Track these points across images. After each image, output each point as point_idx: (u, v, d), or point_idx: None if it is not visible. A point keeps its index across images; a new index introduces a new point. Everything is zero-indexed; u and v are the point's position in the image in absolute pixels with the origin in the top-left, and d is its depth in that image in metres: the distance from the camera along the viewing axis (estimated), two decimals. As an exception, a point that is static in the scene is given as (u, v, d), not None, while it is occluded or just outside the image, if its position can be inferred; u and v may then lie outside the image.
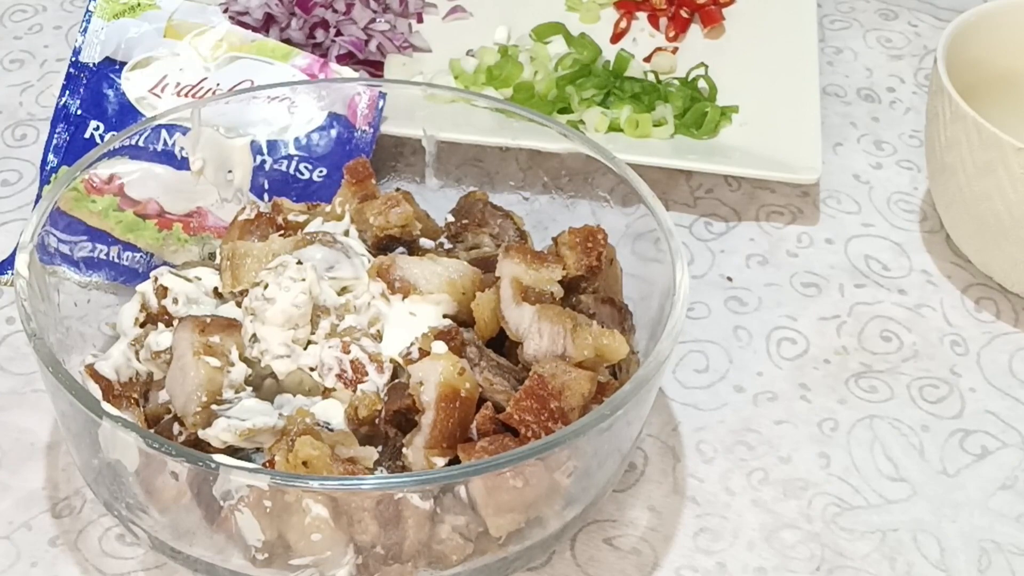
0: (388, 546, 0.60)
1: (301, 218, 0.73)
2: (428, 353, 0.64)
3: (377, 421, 0.64)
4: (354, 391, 0.64)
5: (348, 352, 0.65)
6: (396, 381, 0.65)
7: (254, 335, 0.65)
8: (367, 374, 0.64)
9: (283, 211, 0.73)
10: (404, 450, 0.63)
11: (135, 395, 0.67)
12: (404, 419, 0.64)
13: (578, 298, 0.70)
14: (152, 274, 0.70)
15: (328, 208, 0.74)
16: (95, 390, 0.66)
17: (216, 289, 0.69)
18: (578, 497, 0.64)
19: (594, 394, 0.65)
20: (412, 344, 0.65)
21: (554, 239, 0.72)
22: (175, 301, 0.68)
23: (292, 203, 0.75)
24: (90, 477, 0.65)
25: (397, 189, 0.77)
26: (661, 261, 0.70)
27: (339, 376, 0.64)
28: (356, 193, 0.73)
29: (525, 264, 0.68)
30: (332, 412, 0.64)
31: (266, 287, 0.65)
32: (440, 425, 0.62)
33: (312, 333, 0.66)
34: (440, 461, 0.62)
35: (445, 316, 0.67)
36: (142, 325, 0.69)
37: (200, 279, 0.69)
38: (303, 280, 0.65)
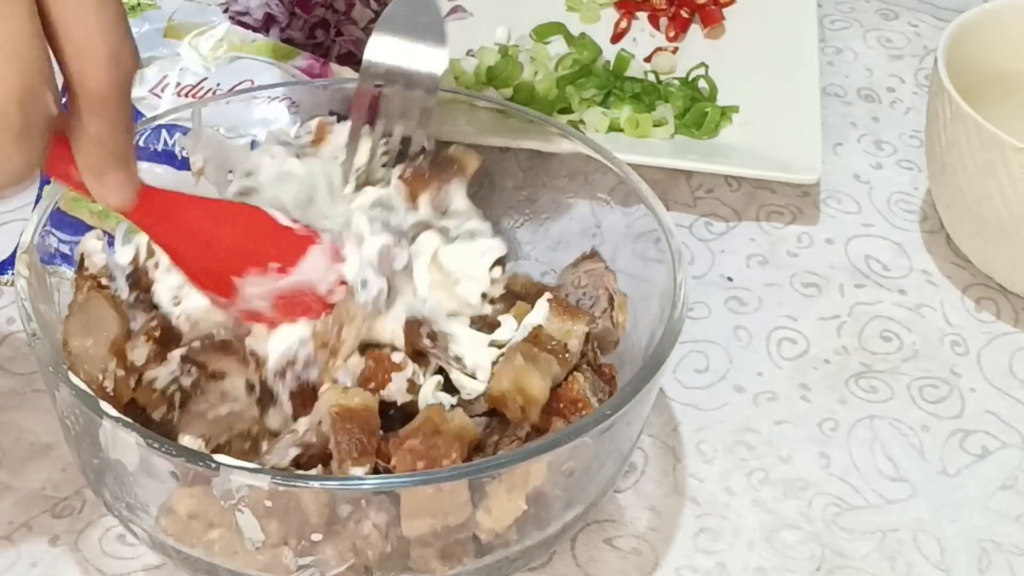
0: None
1: None
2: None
3: None
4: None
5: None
6: None
7: None
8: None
9: None
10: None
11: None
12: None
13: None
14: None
15: None
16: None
17: None
18: (578, 497, 0.64)
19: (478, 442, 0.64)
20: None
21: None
22: (156, 266, 0.68)
23: None
24: (90, 477, 0.65)
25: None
26: (661, 261, 0.70)
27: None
28: None
29: (554, 313, 0.67)
30: None
31: None
32: (344, 445, 0.62)
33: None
34: (360, 470, 0.61)
35: None
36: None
37: None
38: None
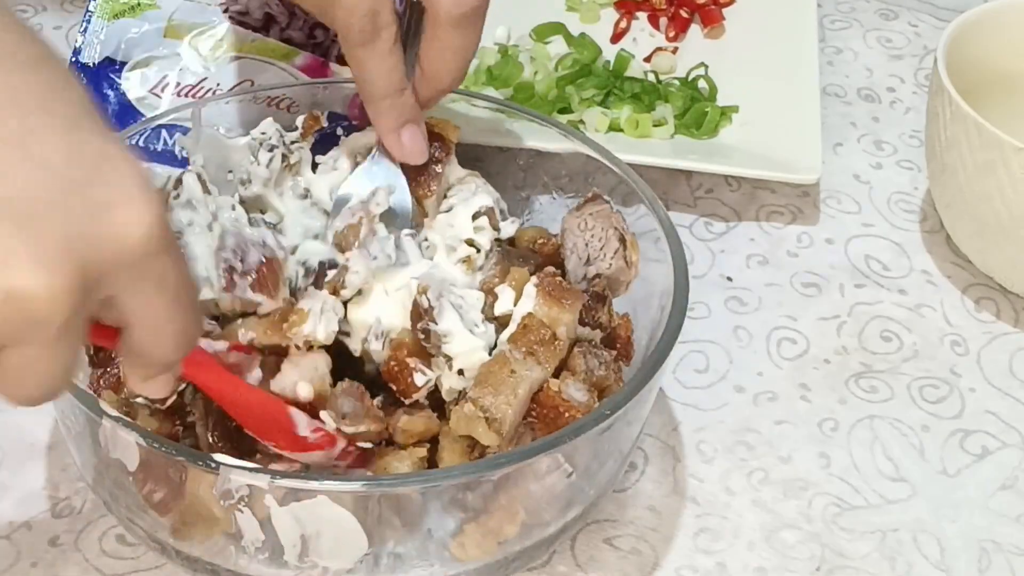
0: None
1: None
2: None
3: None
4: None
5: None
6: None
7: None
8: None
9: None
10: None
11: None
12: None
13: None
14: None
15: None
16: None
17: None
18: (578, 498, 0.64)
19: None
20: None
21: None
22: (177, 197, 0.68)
23: None
24: (90, 477, 0.65)
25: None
26: (661, 261, 0.70)
27: None
28: None
29: (543, 299, 0.66)
30: None
31: None
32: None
33: None
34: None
35: None
36: None
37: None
38: None
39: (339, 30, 0.67)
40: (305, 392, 0.63)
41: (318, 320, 0.63)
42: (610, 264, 0.71)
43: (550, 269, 0.69)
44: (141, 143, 0.77)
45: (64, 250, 0.45)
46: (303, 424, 0.62)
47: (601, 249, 0.71)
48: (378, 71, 0.67)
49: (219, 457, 0.58)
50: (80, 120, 0.48)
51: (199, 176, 0.69)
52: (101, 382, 0.66)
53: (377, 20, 0.66)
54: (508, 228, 0.72)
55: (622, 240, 0.71)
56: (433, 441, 0.64)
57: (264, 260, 0.65)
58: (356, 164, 0.73)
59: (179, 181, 0.69)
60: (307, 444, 0.62)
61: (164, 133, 0.79)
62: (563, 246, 0.73)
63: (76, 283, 0.45)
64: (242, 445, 0.62)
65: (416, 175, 0.71)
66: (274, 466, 0.61)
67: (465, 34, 0.68)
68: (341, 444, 0.62)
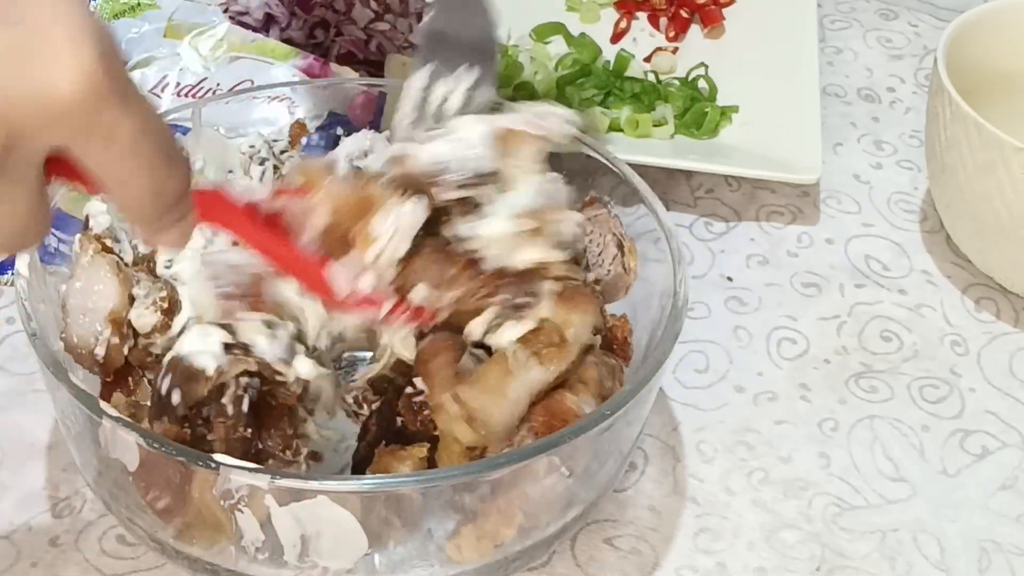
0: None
1: None
2: None
3: None
4: None
5: None
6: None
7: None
8: None
9: None
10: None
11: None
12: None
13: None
14: None
15: None
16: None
17: None
18: (578, 497, 0.64)
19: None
20: None
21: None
22: None
23: None
24: (90, 477, 0.65)
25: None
26: (661, 261, 0.70)
27: None
28: None
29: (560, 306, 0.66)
30: None
31: None
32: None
33: None
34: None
35: None
36: None
37: None
38: None
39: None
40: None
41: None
42: (608, 270, 0.71)
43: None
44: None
45: None
46: (343, 279, 0.60)
47: (600, 255, 0.71)
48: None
49: (219, 457, 0.58)
50: None
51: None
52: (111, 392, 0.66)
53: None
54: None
55: (620, 246, 0.71)
56: (433, 440, 0.64)
57: (252, 276, 0.64)
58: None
59: None
60: (347, 305, 0.61)
61: (164, 133, 0.78)
62: None
63: None
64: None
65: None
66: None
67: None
68: (388, 305, 0.61)
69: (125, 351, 0.65)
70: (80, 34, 0.43)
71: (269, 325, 0.64)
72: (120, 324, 0.65)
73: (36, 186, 0.46)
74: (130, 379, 0.66)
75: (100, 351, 0.64)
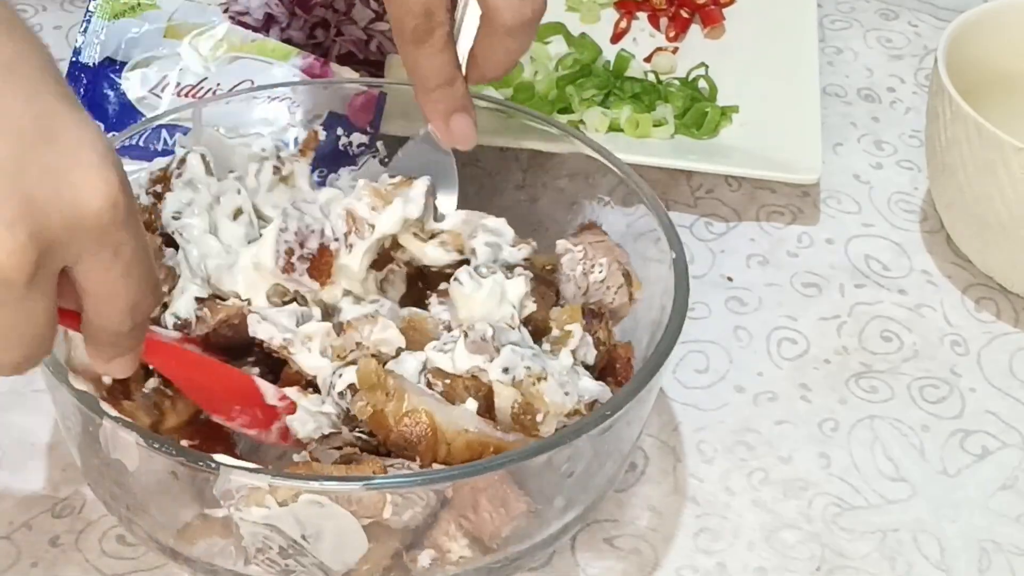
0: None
1: None
2: None
3: None
4: None
5: None
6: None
7: None
8: None
9: None
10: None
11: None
12: None
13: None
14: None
15: None
16: None
17: None
18: (578, 498, 0.64)
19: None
20: None
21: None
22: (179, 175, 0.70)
23: None
24: (91, 477, 0.65)
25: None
26: (661, 261, 0.70)
27: None
28: None
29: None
30: None
31: None
32: None
33: None
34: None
35: None
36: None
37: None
38: None
39: (393, 25, 0.68)
40: None
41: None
42: (613, 299, 0.71)
43: None
44: (141, 143, 0.77)
45: (21, 212, 0.47)
46: (271, 393, 0.64)
47: (603, 282, 0.71)
48: (430, 66, 0.69)
49: (219, 457, 0.58)
50: (43, 85, 0.49)
51: (203, 156, 0.69)
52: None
53: (431, 20, 0.67)
54: (517, 254, 0.71)
55: (626, 275, 0.72)
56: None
57: (321, 247, 0.67)
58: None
59: (183, 160, 0.69)
60: (276, 412, 0.64)
61: (164, 133, 0.79)
62: (559, 270, 0.72)
63: (33, 243, 0.47)
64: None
65: None
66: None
67: (519, 39, 0.69)
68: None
69: None
70: (106, 159, 0.49)
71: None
72: None
73: (54, 298, 0.50)
74: (131, 383, 0.66)
75: (108, 378, 0.65)
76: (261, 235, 0.68)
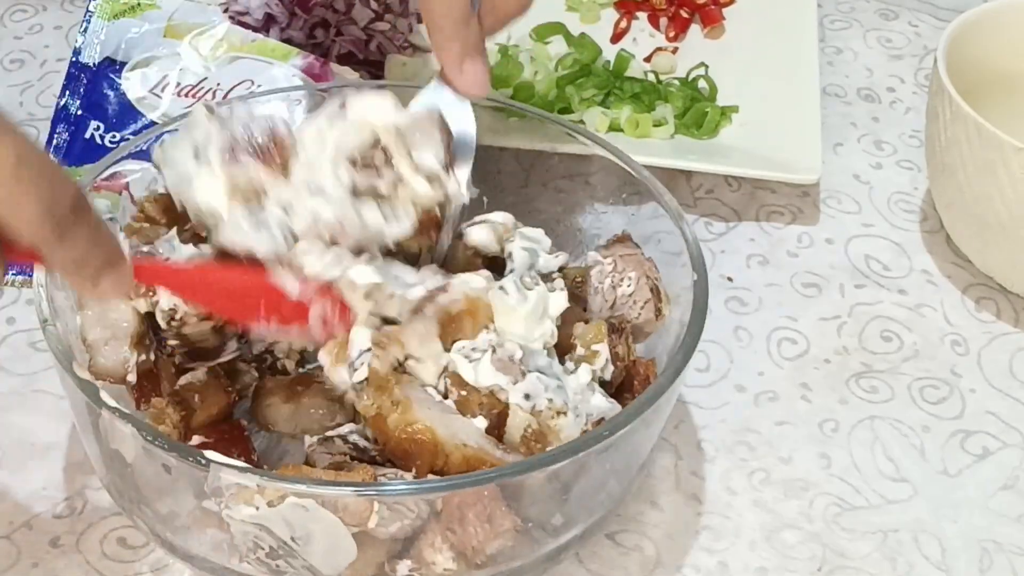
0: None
1: None
2: None
3: None
4: None
5: None
6: None
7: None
8: None
9: None
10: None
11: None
12: None
13: None
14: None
15: None
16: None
17: None
18: (579, 517, 0.63)
19: None
20: None
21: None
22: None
23: None
24: (99, 468, 0.65)
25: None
26: (663, 262, 0.70)
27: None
28: None
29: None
30: None
31: None
32: None
33: None
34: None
35: None
36: None
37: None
38: None
39: None
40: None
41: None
42: (639, 314, 0.70)
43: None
44: (144, 149, 0.77)
45: None
46: (291, 284, 0.63)
47: (631, 296, 0.70)
48: (444, 3, 0.67)
49: (210, 455, 0.58)
50: None
51: (207, 106, 0.68)
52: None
53: None
54: (554, 262, 0.70)
55: (655, 290, 0.71)
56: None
57: (271, 134, 0.64)
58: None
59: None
60: (301, 307, 0.62)
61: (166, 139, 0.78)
62: (587, 282, 0.71)
63: None
64: None
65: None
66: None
67: None
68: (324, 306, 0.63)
69: (151, 357, 0.65)
70: None
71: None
72: (143, 338, 0.65)
73: None
74: (161, 380, 0.66)
75: (132, 377, 0.65)
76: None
